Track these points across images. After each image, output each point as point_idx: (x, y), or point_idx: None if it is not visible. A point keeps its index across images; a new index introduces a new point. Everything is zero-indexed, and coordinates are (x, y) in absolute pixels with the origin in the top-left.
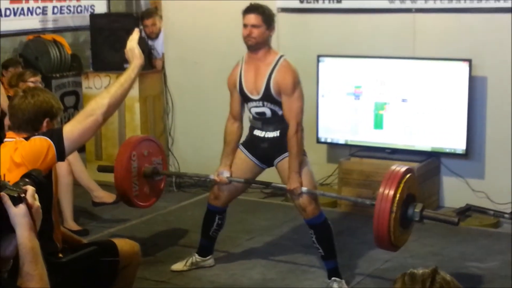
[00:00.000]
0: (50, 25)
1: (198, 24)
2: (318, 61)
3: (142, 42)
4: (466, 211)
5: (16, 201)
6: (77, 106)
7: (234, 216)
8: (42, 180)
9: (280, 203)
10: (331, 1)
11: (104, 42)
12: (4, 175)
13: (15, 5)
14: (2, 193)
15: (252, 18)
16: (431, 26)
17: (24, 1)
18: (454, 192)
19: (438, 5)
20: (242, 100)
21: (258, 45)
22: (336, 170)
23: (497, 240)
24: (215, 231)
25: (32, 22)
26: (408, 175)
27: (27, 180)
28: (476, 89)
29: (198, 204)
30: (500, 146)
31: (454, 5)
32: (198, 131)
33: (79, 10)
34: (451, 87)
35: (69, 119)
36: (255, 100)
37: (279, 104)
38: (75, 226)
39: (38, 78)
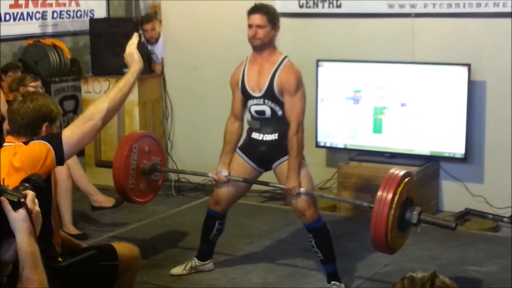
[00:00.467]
0: (49, 29)
1: (197, 29)
2: (317, 65)
3: (141, 47)
4: (465, 215)
5: (16, 205)
6: (76, 111)
7: (233, 220)
8: (42, 185)
9: (279, 207)
10: (330, 5)
11: (104, 47)
12: (3, 180)
13: (15, 10)
14: (2, 198)
15: (257, 19)
16: (430, 30)
17: (23, 6)
18: (453, 196)
19: (437, 9)
20: (243, 98)
21: (263, 45)
22: (335, 174)
23: (496, 244)
24: (215, 236)
25: (31, 27)
26: (407, 179)
27: (26, 184)
28: (475, 93)
29: (198, 208)
30: (499, 151)
31: (453, 10)
32: (197, 135)
33: (78, 15)
34: (450, 91)
35: (68, 124)
36: (256, 98)
37: (279, 103)
38: (74, 230)
39: (38, 83)
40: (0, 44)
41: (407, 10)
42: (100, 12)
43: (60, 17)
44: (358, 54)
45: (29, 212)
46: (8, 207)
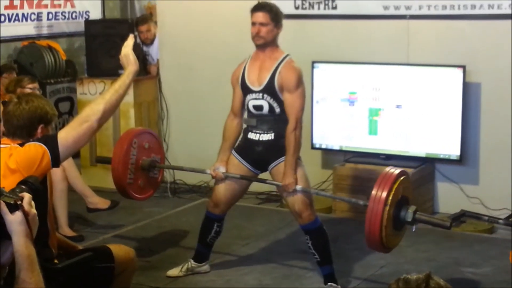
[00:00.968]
0: (45, 31)
1: (193, 30)
2: (312, 67)
3: (137, 48)
4: (461, 217)
5: (13, 208)
6: (71, 112)
7: (230, 222)
8: (39, 187)
9: (275, 209)
10: (326, 7)
11: (99, 48)
12: None
13: (10, 11)
14: None
15: (260, 16)
16: (425, 32)
17: (18, 7)
18: (449, 198)
19: (432, 11)
20: (242, 94)
21: (266, 43)
22: (331, 176)
23: (491, 246)
24: (212, 238)
25: (27, 28)
26: (402, 177)
27: (23, 187)
28: (470, 95)
29: (193, 210)
30: (494, 152)
31: (448, 11)
32: (193, 137)
33: (74, 16)
34: (445, 93)
35: (63, 126)
36: (255, 92)
37: (278, 100)
38: (70, 232)
39: (36, 84)
40: None
41: (402, 12)
42: (95, 13)
43: (55, 19)
44: (353, 55)
45: (25, 214)
46: (4, 209)
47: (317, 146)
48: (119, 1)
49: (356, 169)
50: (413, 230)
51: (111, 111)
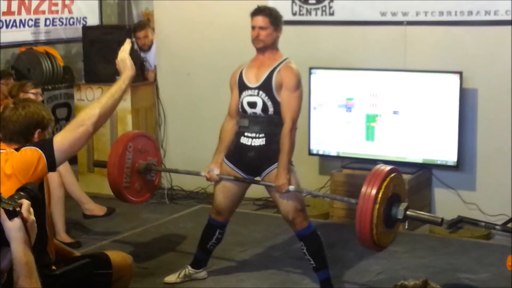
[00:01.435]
0: (42, 37)
1: (190, 36)
2: (310, 73)
3: (134, 54)
4: (458, 223)
5: (11, 215)
6: (69, 118)
7: (227, 228)
8: (37, 194)
9: (273, 215)
10: (323, 13)
11: (96, 54)
12: None
13: (7, 17)
14: None
15: (260, 20)
16: (422, 38)
17: (16, 13)
18: (446, 204)
19: (429, 18)
20: (238, 92)
21: (266, 47)
22: (328, 182)
23: (488, 252)
24: (213, 245)
25: (24, 34)
26: (392, 174)
27: (22, 193)
28: (467, 101)
29: (191, 216)
30: (491, 158)
31: (445, 18)
32: (191, 142)
33: (71, 22)
34: (442, 99)
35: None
36: (251, 88)
37: (273, 99)
38: (67, 239)
39: (39, 89)
40: None
41: (400, 18)
42: (93, 20)
43: (53, 25)
44: (350, 62)
45: (24, 221)
46: (3, 216)
47: (314, 152)
48: (117, 8)
49: (353, 175)
50: (406, 227)
51: (107, 115)
